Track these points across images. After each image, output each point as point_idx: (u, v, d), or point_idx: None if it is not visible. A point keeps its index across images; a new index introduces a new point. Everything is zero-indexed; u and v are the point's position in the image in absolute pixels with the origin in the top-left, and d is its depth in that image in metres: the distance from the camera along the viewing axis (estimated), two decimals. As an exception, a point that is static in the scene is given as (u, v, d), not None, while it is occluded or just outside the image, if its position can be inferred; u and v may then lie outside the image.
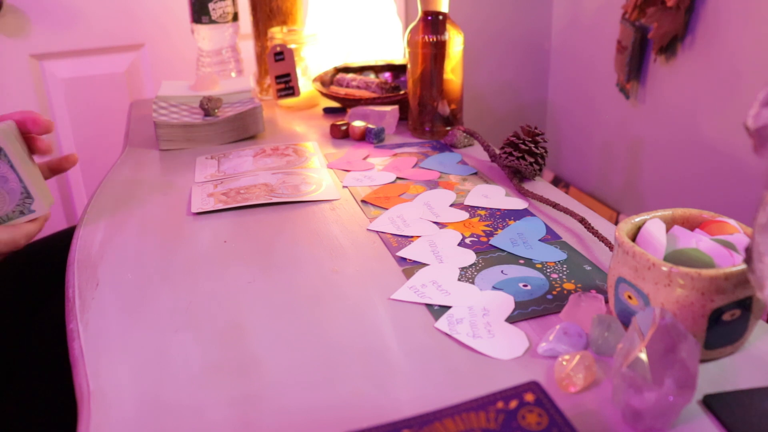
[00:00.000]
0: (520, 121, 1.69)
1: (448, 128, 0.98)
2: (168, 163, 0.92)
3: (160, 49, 1.55)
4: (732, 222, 0.51)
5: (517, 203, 0.76)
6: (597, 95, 1.56)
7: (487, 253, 0.64)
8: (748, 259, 0.38)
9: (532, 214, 0.73)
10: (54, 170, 0.74)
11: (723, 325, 0.46)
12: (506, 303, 0.55)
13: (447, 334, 0.52)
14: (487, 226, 0.70)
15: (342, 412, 0.44)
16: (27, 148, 0.68)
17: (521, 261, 0.63)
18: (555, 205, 0.72)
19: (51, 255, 0.83)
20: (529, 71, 1.76)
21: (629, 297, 0.48)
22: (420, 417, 0.38)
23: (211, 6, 1.15)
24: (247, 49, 1.31)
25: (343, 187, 0.82)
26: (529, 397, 0.39)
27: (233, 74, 1.22)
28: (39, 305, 0.79)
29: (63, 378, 0.59)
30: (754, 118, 0.36)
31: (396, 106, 1.03)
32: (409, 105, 1.00)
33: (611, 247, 0.64)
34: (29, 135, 0.69)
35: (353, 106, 1.08)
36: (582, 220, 0.68)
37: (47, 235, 0.91)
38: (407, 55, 0.96)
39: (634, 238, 0.51)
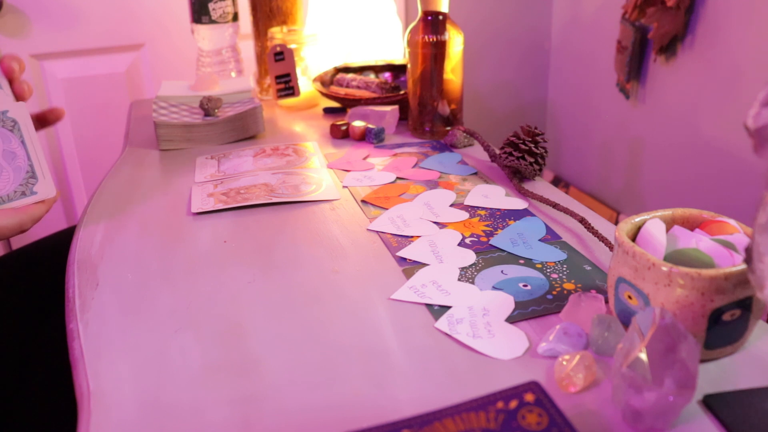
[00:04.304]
0: (520, 121, 1.69)
1: (448, 128, 0.98)
2: (168, 163, 0.92)
3: (160, 49, 1.55)
4: (732, 222, 0.51)
5: (517, 203, 0.76)
6: (597, 95, 1.56)
7: (487, 253, 0.64)
8: (748, 259, 0.38)
9: (532, 214, 0.73)
10: (41, 121, 0.72)
11: (723, 325, 0.46)
12: (506, 303, 0.55)
13: (447, 334, 0.52)
14: (487, 226, 0.70)
15: (342, 412, 0.44)
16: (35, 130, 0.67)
17: (521, 261, 0.63)
18: (555, 205, 0.72)
19: (51, 255, 0.83)
20: (529, 71, 1.76)
21: (629, 297, 0.48)
22: (420, 417, 0.38)
23: (211, 6, 1.15)
24: (247, 49, 1.31)
25: (343, 187, 0.82)
26: (529, 397, 0.39)
27: (233, 74, 1.22)
28: (44, 307, 0.79)
29: (66, 378, 0.59)
30: (754, 118, 0.36)
31: (396, 106, 1.03)
32: (409, 105, 1.00)
33: (611, 247, 0.64)
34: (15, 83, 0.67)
35: (353, 106, 1.08)
36: (582, 220, 0.68)
37: (47, 235, 0.92)
38: (407, 55, 0.96)
39: (634, 238, 0.51)
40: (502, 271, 0.61)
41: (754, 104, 0.37)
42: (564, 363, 0.46)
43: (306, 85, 1.16)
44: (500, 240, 0.67)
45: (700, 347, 0.46)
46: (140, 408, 0.45)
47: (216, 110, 1.01)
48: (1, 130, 0.63)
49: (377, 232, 0.69)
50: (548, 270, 0.61)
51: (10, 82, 0.66)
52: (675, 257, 0.48)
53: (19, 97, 0.67)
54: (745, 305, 0.45)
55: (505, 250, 0.65)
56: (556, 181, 1.77)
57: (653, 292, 0.46)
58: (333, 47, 1.31)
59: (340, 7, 1.33)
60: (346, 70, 1.20)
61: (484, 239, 0.67)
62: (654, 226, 0.50)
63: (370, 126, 0.98)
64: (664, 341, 0.40)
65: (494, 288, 0.58)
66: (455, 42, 0.93)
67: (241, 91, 1.10)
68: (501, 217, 0.72)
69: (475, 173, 0.85)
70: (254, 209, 0.75)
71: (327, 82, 1.17)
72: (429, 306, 0.56)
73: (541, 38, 1.74)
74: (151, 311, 0.56)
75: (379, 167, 0.87)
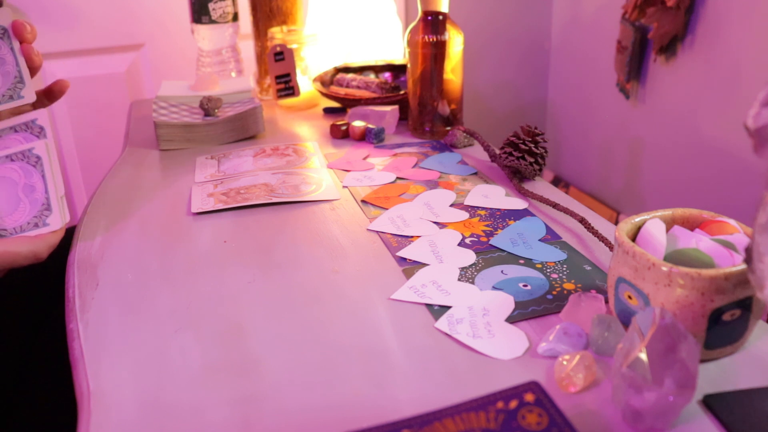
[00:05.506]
0: (520, 121, 1.68)
1: (448, 128, 0.98)
2: (168, 163, 0.92)
3: (160, 49, 1.55)
4: (732, 222, 0.51)
5: (517, 203, 0.76)
6: (597, 95, 1.56)
7: (487, 253, 0.64)
8: (748, 259, 0.38)
9: (532, 214, 0.73)
10: (47, 96, 0.71)
11: (723, 325, 0.46)
12: (506, 303, 0.55)
13: (447, 334, 0.52)
14: (487, 226, 0.70)
15: (342, 412, 0.44)
16: (58, 163, 0.68)
17: (521, 261, 0.63)
18: (555, 205, 0.72)
19: (51, 255, 0.83)
20: (529, 71, 1.76)
21: (629, 297, 0.48)
22: (420, 417, 0.38)
23: (211, 6, 1.15)
24: (247, 49, 1.31)
25: (343, 187, 0.82)
26: (529, 397, 0.39)
27: (233, 74, 1.22)
28: (44, 307, 0.79)
29: (66, 378, 0.59)
30: (754, 118, 0.36)
31: (396, 106, 1.03)
32: (409, 105, 1.00)
33: (611, 247, 0.64)
34: (25, 45, 0.67)
35: (353, 106, 1.08)
36: (582, 220, 0.68)
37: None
38: (407, 55, 0.96)
39: (634, 238, 0.51)
40: (502, 271, 0.61)
41: (754, 104, 0.37)
42: (564, 363, 0.46)
43: (306, 85, 1.16)
44: (500, 240, 0.67)
45: (700, 347, 0.46)
46: (140, 408, 0.45)
47: (216, 110, 1.01)
48: (25, 166, 0.65)
49: (377, 232, 0.69)
50: (548, 270, 0.61)
51: (21, 42, 0.67)
52: (675, 257, 0.48)
53: (29, 62, 0.67)
54: (745, 305, 0.45)
55: (505, 250, 0.65)
56: (556, 181, 1.77)
57: (653, 292, 0.46)
58: (333, 47, 1.31)
59: (340, 7, 1.33)
60: (346, 70, 1.20)
61: (484, 239, 0.67)
62: (654, 226, 0.50)
63: (370, 126, 0.98)
64: (664, 341, 0.40)
65: (494, 288, 0.58)
66: (455, 42, 0.93)
67: (241, 91, 1.10)
68: (501, 217, 0.72)
69: (475, 173, 0.85)
70: (254, 209, 0.75)
71: (327, 82, 1.17)
72: (429, 306, 0.56)
73: (541, 38, 1.74)
74: (151, 311, 0.56)
75: (379, 167, 0.87)
